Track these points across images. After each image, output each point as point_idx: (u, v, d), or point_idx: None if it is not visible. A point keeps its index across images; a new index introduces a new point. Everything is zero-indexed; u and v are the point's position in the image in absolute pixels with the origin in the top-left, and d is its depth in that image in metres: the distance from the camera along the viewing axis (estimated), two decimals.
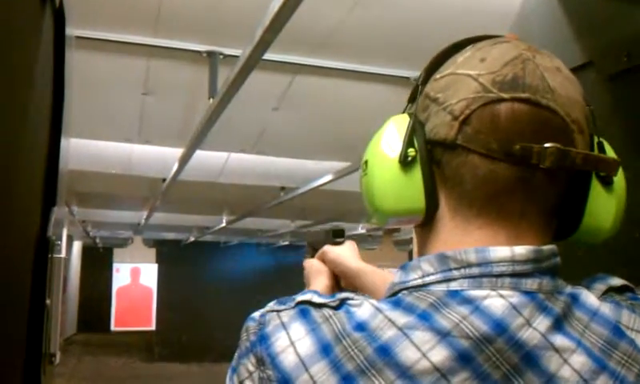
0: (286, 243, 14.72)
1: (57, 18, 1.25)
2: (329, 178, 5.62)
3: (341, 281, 1.07)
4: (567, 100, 0.67)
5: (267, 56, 2.79)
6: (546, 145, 0.65)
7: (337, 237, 1.06)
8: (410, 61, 3.50)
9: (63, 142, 1.35)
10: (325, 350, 0.63)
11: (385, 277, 0.97)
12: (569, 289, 0.68)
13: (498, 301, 0.64)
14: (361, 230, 10.98)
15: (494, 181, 0.66)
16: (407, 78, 3.67)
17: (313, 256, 1.09)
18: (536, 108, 0.66)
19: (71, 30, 1.41)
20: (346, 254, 1.03)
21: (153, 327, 12.89)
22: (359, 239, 12.17)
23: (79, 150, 5.26)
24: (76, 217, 9.81)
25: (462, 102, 0.68)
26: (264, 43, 2.42)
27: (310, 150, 5.56)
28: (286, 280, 14.88)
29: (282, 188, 6.83)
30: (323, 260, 1.05)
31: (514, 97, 0.66)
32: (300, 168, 6.02)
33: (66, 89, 1.35)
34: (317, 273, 1.07)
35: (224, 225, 10.21)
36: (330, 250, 1.04)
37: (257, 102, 4.10)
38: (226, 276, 15.09)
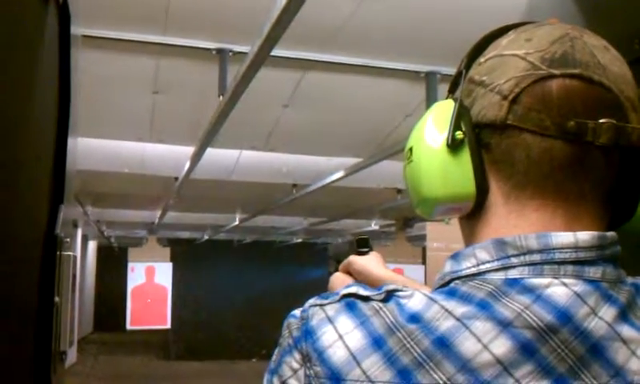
0: (300, 241, 14.71)
1: (61, 16, 1.24)
2: (341, 174, 5.61)
3: None
4: (619, 77, 0.65)
5: (277, 52, 2.78)
6: (601, 121, 0.62)
7: (361, 246, 1.01)
8: (422, 55, 3.47)
9: (70, 140, 1.35)
10: (377, 343, 0.60)
11: (415, 286, 0.94)
12: (630, 279, 0.65)
13: (561, 289, 0.60)
14: (374, 226, 10.96)
15: (548, 160, 0.63)
16: (418, 72, 3.64)
17: (337, 269, 1.06)
18: (588, 84, 0.63)
19: (77, 29, 1.41)
20: (372, 263, 0.99)
21: (168, 326, 12.92)
22: (372, 236, 12.15)
23: (92, 150, 5.30)
24: (90, 217, 9.89)
25: (510, 80, 0.65)
26: (272, 39, 2.41)
27: (322, 146, 5.55)
28: (299, 277, 14.94)
29: (294, 185, 6.82)
30: (348, 271, 1.01)
31: (565, 73, 0.63)
32: (312, 165, 6.01)
33: (72, 87, 1.35)
34: (342, 284, 1.03)
35: (237, 223, 10.23)
36: (355, 260, 1.00)
37: (267, 99, 4.10)
38: (240, 274, 15.13)
